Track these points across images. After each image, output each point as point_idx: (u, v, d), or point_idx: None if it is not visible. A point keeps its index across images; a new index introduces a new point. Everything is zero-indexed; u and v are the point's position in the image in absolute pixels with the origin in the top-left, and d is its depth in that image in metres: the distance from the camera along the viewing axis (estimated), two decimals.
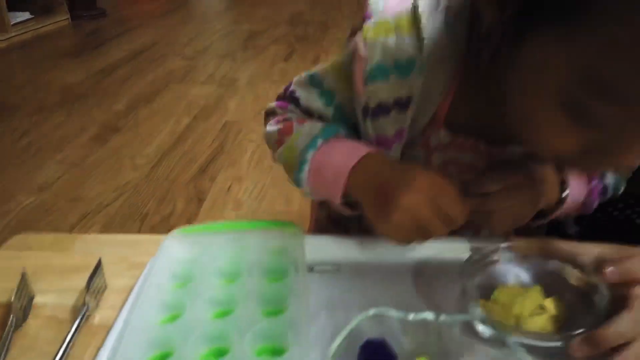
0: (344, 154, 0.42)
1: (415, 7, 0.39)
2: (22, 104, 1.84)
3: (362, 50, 0.40)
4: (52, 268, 0.43)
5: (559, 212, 0.45)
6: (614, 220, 0.64)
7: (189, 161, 1.43)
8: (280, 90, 0.52)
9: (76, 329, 0.35)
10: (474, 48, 0.38)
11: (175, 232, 0.43)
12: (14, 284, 0.37)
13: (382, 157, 0.41)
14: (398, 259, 0.42)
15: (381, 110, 0.42)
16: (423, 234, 0.37)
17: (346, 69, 0.43)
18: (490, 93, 0.39)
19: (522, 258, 0.39)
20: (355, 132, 0.46)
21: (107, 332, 0.35)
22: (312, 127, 0.45)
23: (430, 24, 0.38)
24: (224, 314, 0.36)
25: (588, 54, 0.28)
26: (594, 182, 0.47)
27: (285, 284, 0.38)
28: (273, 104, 0.52)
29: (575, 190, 0.45)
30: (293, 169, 0.44)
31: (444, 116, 0.43)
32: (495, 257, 0.39)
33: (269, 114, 0.52)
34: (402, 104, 0.41)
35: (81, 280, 0.38)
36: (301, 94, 0.48)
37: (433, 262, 0.41)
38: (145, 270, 0.41)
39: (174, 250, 0.42)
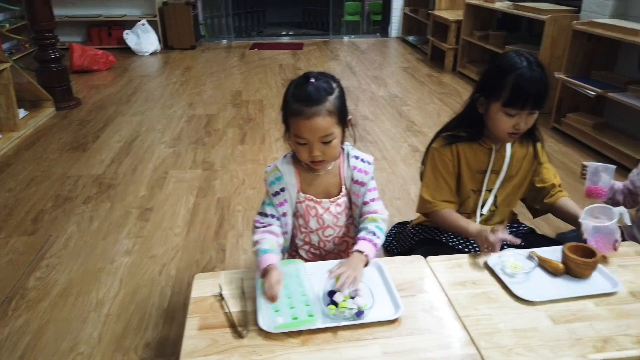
0: (261, 263, 1.21)
1: (276, 166, 1.36)
2: (72, 196, 2.70)
3: (266, 180, 1.37)
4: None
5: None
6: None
7: (206, 228, 2.41)
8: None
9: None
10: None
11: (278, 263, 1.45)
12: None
13: (270, 268, 1.19)
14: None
15: (277, 194, 1.33)
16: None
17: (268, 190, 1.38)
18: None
19: None
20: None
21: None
22: (259, 245, 1.27)
23: (280, 164, 1.35)
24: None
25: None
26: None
27: (302, 280, 1.39)
28: (255, 219, 1.36)
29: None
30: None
31: (300, 188, 1.35)
32: None
33: (254, 227, 1.35)
34: (282, 190, 1.33)
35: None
36: (264, 209, 1.36)
37: None
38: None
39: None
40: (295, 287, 1.28)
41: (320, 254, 1.51)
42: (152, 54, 6.22)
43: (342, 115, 1.28)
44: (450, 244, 1.65)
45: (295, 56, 6.25)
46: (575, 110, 3.56)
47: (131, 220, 2.47)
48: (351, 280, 1.18)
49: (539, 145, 1.61)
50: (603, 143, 3.16)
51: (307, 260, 1.50)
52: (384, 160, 3.18)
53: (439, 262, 1.40)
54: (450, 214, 1.57)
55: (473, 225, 1.49)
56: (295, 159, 1.37)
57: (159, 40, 6.37)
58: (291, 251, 1.53)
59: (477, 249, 1.59)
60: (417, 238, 1.76)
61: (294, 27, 9.13)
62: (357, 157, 1.40)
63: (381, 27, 7.78)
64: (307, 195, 1.39)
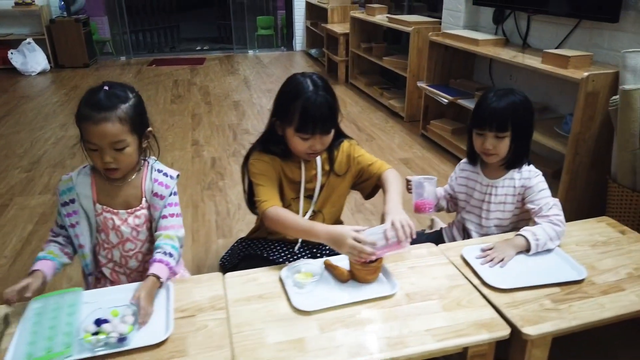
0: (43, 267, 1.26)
1: (71, 176, 1.35)
2: None
3: (57, 189, 1.36)
4: None
5: None
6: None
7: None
8: None
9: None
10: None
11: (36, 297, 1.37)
12: None
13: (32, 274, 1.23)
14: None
15: (66, 204, 1.33)
16: None
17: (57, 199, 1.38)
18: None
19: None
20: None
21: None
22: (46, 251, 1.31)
23: (76, 175, 1.37)
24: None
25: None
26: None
27: (76, 309, 1.32)
28: (51, 228, 1.38)
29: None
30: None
31: (97, 199, 1.35)
32: None
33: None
34: (72, 201, 1.32)
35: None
36: (57, 219, 1.39)
37: None
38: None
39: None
40: (63, 317, 1.22)
41: (125, 273, 1.47)
42: (40, 73, 5.93)
43: (136, 125, 1.29)
44: (272, 257, 1.64)
45: (193, 71, 6.16)
46: (441, 117, 3.72)
47: None
48: (148, 316, 1.20)
49: (345, 144, 1.63)
50: (459, 147, 3.31)
51: (112, 281, 1.46)
52: None
53: (235, 278, 1.38)
54: (286, 211, 1.47)
55: (320, 227, 1.37)
56: (94, 170, 1.36)
57: (48, 59, 6.08)
58: (96, 272, 1.47)
59: (298, 258, 1.59)
60: (242, 253, 1.74)
61: (210, 42, 9.02)
62: (160, 171, 1.41)
63: (287, 40, 7.86)
64: (104, 207, 1.36)
